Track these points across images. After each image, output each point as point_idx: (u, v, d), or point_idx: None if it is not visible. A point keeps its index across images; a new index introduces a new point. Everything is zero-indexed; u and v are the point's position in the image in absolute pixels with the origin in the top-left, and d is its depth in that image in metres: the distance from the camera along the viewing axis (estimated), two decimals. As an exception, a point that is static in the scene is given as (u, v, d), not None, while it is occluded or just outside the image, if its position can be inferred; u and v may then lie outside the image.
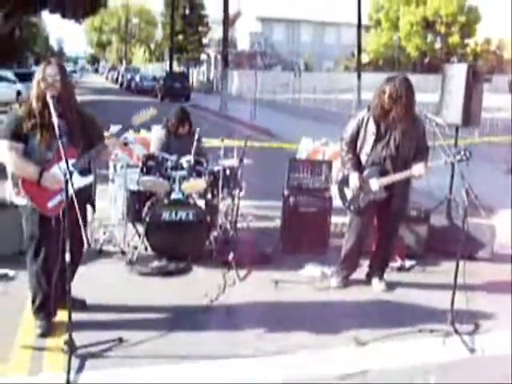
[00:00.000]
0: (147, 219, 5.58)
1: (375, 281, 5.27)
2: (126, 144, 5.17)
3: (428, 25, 48.58)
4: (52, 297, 4.05)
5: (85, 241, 3.59)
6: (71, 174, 3.58)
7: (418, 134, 4.92)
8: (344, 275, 5.28)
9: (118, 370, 3.63)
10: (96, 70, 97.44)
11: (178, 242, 5.59)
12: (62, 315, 4.01)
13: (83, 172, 4.10)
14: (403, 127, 4.81)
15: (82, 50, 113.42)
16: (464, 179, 4.26)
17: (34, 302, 4.11)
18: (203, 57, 52.50)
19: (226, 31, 26.70)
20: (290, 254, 6.04)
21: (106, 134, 4.25)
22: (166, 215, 5.58)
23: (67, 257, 3.55)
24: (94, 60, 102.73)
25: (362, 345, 4.09)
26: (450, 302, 4.31)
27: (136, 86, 41.58)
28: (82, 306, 4.44)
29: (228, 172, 6.13)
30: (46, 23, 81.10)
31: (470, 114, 6.40)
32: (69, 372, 3.48)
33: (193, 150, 5.88)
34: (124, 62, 68.85)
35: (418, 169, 4.78)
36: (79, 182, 4.04)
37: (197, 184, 5.94)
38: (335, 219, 6.32)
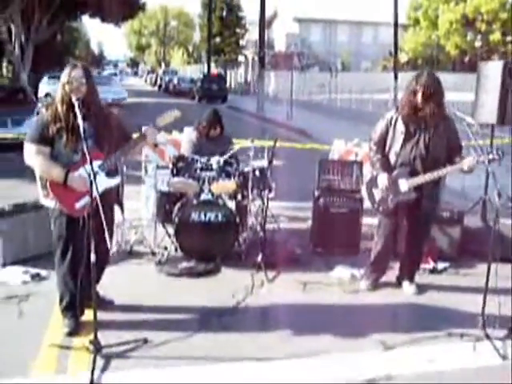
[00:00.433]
0: (176, 220, 5.61)
1: (405, 283, 5.18)
2: (156, 145, 5.21)
3: (468, 22, 47.58)
4: (79, 297, 4.10)
5: (108, 242, 3.61)
6: (95, 175, 3.61)
7: (450, 133, 4.80)
8: (374, 278, 5.21)
9: (142, 371, 3.66)
10: (135, 73, 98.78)
11: (206, 242, 5.60)
12: (90, 314, 4.04)
13: (110, 173, 4.14)
14: (433, 126, 4.71)
15: (121, 54, 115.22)
16: (495, 179, 4.14)
17: (61, 301, 4.18)
18: (241, 58, 52.68)
19: (262, 32, 26.67)
20: (319, 256, 5.99)
21: (135, 135, 4.28)
22: (194, 216, 5.60)
23: (92, 257, 3.60)
24: (133, 63, 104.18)
25: (388, 349, 4.02)
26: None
27: (174, 88, 42.04)
28: (109, 305, 4.50)
29: (258, 173, 6.12)
30: (87, 28, 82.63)
31: (506, 113, 6.24)
32: (93, 371, 3.52)
33: (227, 154, 5.91)
34: (163, 64, 69.65)
35: (468, 162, 4.60)
36: (106, 183, 4.09)
37: (226, 185, 5.95)
38: (367, 220, 6.23)
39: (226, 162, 5.95)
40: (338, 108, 26.63)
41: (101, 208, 3.61)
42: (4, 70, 38.16)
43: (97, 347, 3.70)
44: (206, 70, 38.49)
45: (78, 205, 3.96)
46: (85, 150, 3.61)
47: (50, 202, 4.07)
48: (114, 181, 4.22)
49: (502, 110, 6.21)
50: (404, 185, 4.80)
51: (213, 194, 5.79)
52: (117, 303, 4.58)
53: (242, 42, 51.72)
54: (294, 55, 27.70)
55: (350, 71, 48.81)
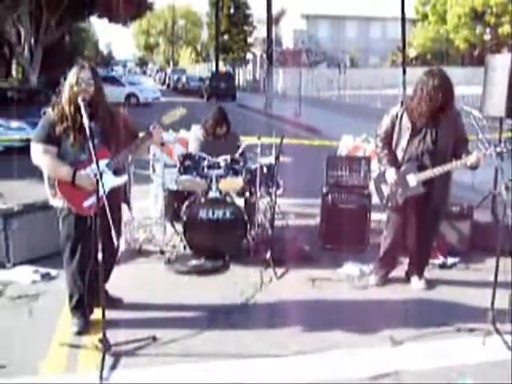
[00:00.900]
0: (185, 218, 5.62)
1: (414, 279, 5.16)
2: (162, 144, 5.22)
3: (477, 16, 47.25)
4: (88, 295, 4.12)
5: (115, 241, 3.63)
6: (101, 174, 3.62)
7: (457, 127, 4.78)
8: (383, 273, 5.19)
9: (151, 369, 3.67)
10: (144, 73, 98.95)
11: (215, 240, 5.61)
12: (99, 313, 4.05)
13: (117, 172, 4.15)
14: (441, 121, 4.69)
15: (130, 53, 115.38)
16: (503, 173, 4.11)
17: (70, 300, 4.20)
18: (249, 56, 52.64)
19: (269, 29, 26.66)
20: (328, 252, 5.98)
21: (141, 134, 4.28)
22: (203, 214, 5.60)
23: (99, 256, 3.61)
24: (142, 62, 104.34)
25: (397, 344, 4.01)
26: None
27: (182, 87, 42.11)
28: (118, 304, 4.52)
29: (265, 170, 6.11)
30: (95, 28, 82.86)
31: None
32: (102, 370, 3.54)
33: (234, 152, 5.91)
34: (171, 63, 69.69)
35: (472, 158, 4.58)
36: (113, 181, 4.10)
37: (233, 182, 5.95)
38: (375, 216, 6.21)
39: (233, 159, 5.95)
40: (347, 104, 26.58)
41: (108, 207, 3.62)
42: (14, 72, 38.38)
43: (106, 346, 3.72)
44: (214, 69, 38.49)
45: (86, 203, 3.98)
46: (91, 149, 3.63)
47: (58, 202, 4.09)
48: (121, 179, 4.23)
49: (510, 103, 6.16)
50: (412, 180, 4.78)
51: (221, 192, 5.79)
52: (126, 301, 4.60)
53: (249, 40, 51.70)
54: (302, 52, 27.68)
55: (358, 67, 48.65)
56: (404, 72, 23.12)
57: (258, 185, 6.02)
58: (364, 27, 55.74)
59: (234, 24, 49.65)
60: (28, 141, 4.24)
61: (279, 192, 6.11)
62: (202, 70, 56.48)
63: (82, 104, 3.77)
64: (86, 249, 3.99)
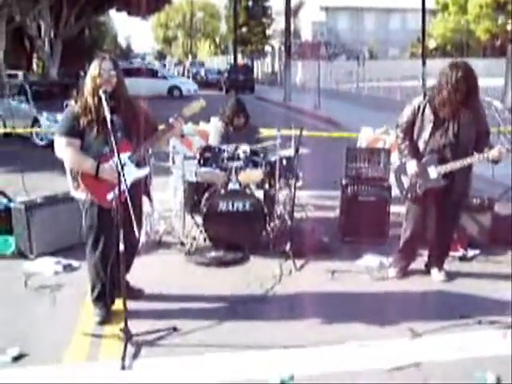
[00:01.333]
0: (204, 210, 5.65)
1: (434, 271, 5.13)
2: (182, 136, 5.25)
3: (499, 6, 46.52)
4: (109, 286, 4.16)
5: (136, 232, 3.66)
6: (123, 166, 3.65)
7: (479, 120, 4.74)
8: (402, 265, 5.18)
9: (171, 358, 3.71)
10: (163, 66, 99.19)
11: (234, 232, 5.63)
12: (120, 304, 4.09)
13: (139, 164, 4.18)
14: (463, 114, 4.65)
15: (149, 47, 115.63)
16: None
17: (92, 291, 4.25)
18: (267, 48, 52.50)
19: (288, 22, 26.55)
20: (347, 244, 5.97)
21: (161, 126, 4.31)
22: (222, 206, 5.63)
23: (121, 247, 3.65)
24: (160, 55, 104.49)
25: (417, 336, 4.00)
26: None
27: (201, 80, 42.16)
28: (139, 294, 4.57)
29: (285, 162, 6.11)
30: (114, 21, 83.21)
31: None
32: (124, 359, 3.59)
33: (254, 143, 5.91)
34: (189, 56, 69.75)
35: (496, 151, 4.56)
36: (135, 174, 4.14)
37: (253, 174, 5.96)
38: (395, 209, 6.19)
39: (252, 151, 5.96)
40: (366, 96, 26.39)
41: (129, 199, 3.66)
42: (34, 66, 38.75)
43: (127, 335, 3.77)
44: (232, 61, 38.48)
45: (110, 196, 3.99)
46: (113, 141, 3.66)
47: (80, 194, 4.13)
48: (144, 171, 4.26)
49: (532, 94, 6.09)
50: (433, 172, 4.75)
51: (240, 184, 5.81)
52: (146, 292, 4.65)
53: (268, 32, 51.54)
54: (321, 44, 27.57)
55: (377, 59, 48.31)
56: (424, 64, 22.92)
57: (278, 177, 6.02)
58: (383, 19, 55.30)
59: (252, 16, 49.51)
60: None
61: (298, 184, 6.11)
62: (221, 63, 56.44)
63: (103, 96, 3.80)
64: (109, 240, 4.02)
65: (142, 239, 5.46)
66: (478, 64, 27.07)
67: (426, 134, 4.77)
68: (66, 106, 4.21)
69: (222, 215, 5.62)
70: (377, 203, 6.07)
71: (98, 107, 3.94)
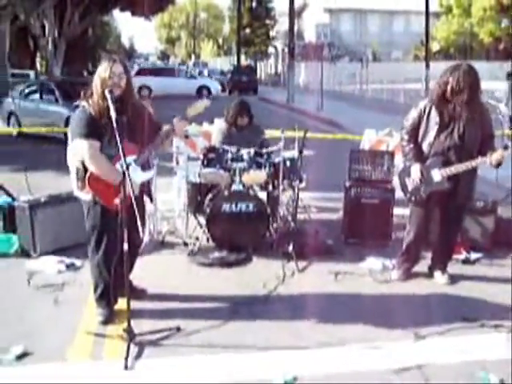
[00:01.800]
0: (208, 211, 5.65)
1: (438, 273, 5.13)
2: (186, 136, 5.24)
3: (503, 9, 46.51)
4: (112, 286, 4.15)
5: (140, 232, 3.66)
6: (128, 167, 3.64)
7: (484, 123, 4.74)
8: (405, 268, 5.18)
9: (174, 358, 3.71)
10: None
11: (238, 233, 5.64)
12: (123, 303, 4.10)
13: (144, 167, 4.17)
14: (468, 116, 4.65)
15: (152, 47, 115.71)
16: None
17: (95, 290, 4.25)
18: (270, 50, 52.54)
19: (291, 23, 26.56)
20: (351, 246, 5.97)
21: (166, 127, 4.30)
22: (226, 207, 5.63)
23: (125, 247, 3.65)
24: (163, 56, 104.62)
25: (419, 338, 4.00)
26: (515, 296, 4.15)
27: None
28: (143, 294, 4.57)
29: (288, 163, 6.11)
30: (118, 22, 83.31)
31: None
32: (127, 359, 3.59)
33: (258, 144, 5.91)
34: (193, 56, 69.81)
35: (498, 154, 4.57)
36: (141, 176, 4.13)
37: (257, 176, 5.96)
38: (398, 211, 6.18)
39: (256, 152, 5.97)
40: (369, 98, 26.41)
41: (134, 200, 3.65)
42: (38, 65, 38.80)
43: (130, 335, 3.77)
44: (236, 62, 38.52)
45: (117, 200, 3.89)
46: (119, 144, 3.64)
47: (83, 194, 4.10)
48: (149, 174, 4.27)
49: (537, 98, 6.09)
50: (437, 175, 4.75)
51: (244, 185, 5.81)
52: (149, 292, 4.65)
53: (271, 33, 51.60)
54: (325, 46, 27.58)
55: (380, 61, 48.31)
56: (427, 66, 22.91)
57: (281, 178, 6.03)
58: (387, 21, 55.33)
59: (255, 17, 49.56)
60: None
61: (302, 185, 6.11)
62: (224, 64, 56.55)
63: (108, 96, 3.78)
64: (112, 239, 4.02)
65: (145, 239, 5.46)
66: (481, 66, 27.06)
67: (430, 137, 4.77)
68: (76, 107, 4.14)
69: (225, 216, 5.62)
70: (380, 205, 6.07)
71: (107, 110, 3.90)
